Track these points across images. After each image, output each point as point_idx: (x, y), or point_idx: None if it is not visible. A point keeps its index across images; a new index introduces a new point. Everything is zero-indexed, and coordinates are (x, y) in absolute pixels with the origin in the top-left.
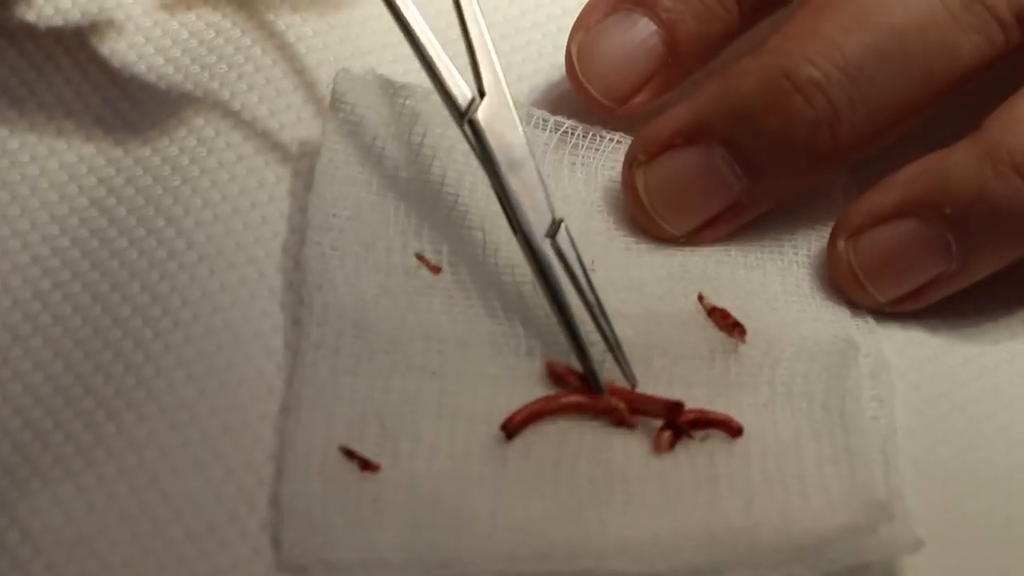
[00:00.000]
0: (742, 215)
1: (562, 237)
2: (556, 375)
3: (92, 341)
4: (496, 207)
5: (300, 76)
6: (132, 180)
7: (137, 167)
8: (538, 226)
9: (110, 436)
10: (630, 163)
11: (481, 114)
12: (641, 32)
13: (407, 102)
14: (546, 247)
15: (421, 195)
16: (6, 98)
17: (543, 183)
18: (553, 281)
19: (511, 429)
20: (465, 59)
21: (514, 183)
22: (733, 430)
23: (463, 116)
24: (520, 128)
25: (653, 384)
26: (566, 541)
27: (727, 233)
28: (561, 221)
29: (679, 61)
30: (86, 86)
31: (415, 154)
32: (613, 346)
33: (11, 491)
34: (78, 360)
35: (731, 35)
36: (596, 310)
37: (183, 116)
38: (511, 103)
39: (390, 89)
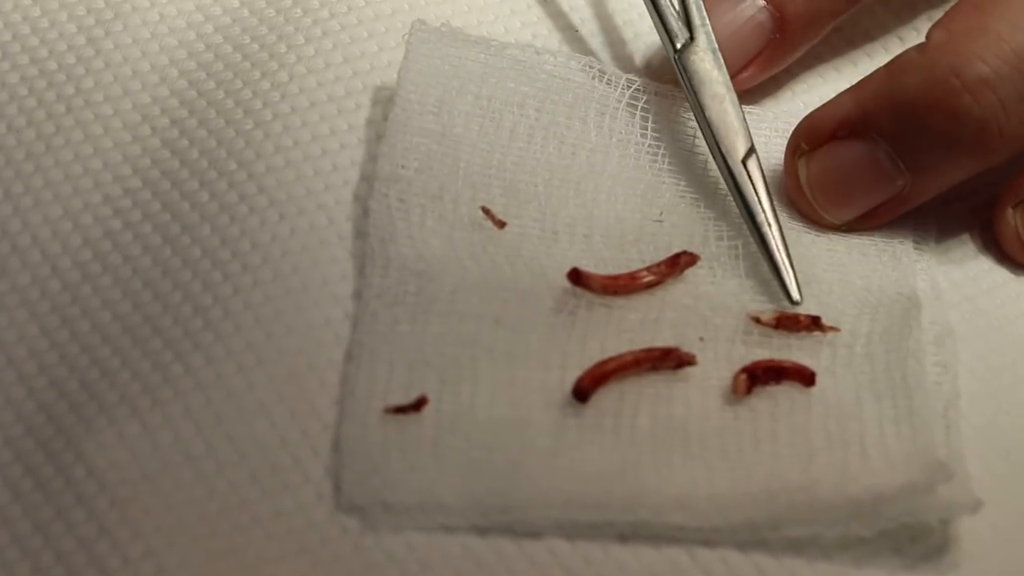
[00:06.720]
0: (902, 207)
1: (752, 163)
2: (575, 276)
3: (161, 282)
4: (567, 160)
5: (375, 24)
6: (204, 122)
7: (210, 109)
8: (735, 151)
9: (177, 376)
10: (793, 151)
11: (690, 53)
12: (750, 8)
13: (481, 55)
14: (740, 169)
15: (491, 148)
16: (82, 36)
17: (742, 114)
18: (748, 199)
19: (584, 391)
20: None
21: (715, 113)
22: (806, 378)
23: (677, 53)
24: (723, 67)
25: (714, 343)
26: (624, 492)
27: (884, 223)
28: (752, 150)
29: (787, 38)
30: (162, 26)
31: (486, 107)
32: (789, 267)
33: (78, 427)
34: (147, 300)
35: (838, 13)
36: (775, 231)
37: (257, 59)
38: (716, 47)
39: (465, 41)
